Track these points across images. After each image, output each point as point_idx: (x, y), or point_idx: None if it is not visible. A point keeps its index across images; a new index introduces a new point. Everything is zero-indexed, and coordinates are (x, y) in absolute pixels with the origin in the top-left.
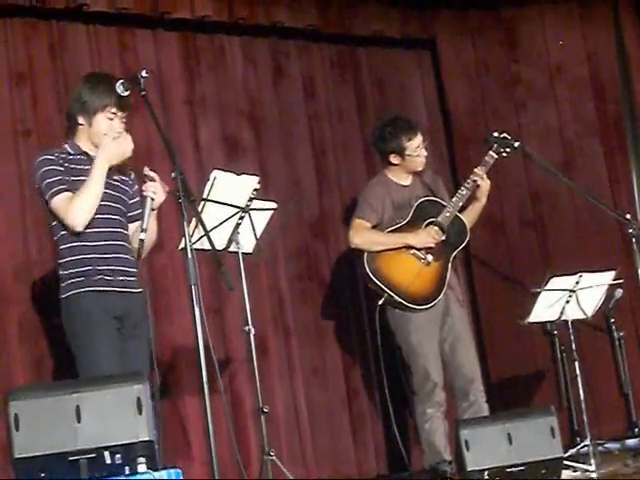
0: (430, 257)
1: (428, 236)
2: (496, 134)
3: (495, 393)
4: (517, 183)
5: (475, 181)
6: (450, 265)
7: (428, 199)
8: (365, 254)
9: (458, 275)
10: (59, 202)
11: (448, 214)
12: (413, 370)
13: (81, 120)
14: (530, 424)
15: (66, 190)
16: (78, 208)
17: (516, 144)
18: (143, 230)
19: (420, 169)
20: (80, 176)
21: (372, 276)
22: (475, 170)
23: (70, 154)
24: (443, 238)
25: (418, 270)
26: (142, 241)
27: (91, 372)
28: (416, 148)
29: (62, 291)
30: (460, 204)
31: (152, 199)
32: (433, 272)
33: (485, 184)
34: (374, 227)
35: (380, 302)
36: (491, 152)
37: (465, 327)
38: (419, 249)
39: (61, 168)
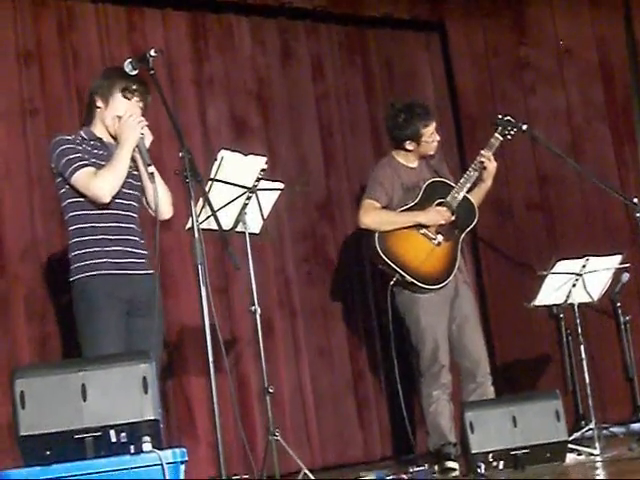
0: (440, 237)
1: (438, 214)
2: (500, 116)
3: (500, 376)
4: (524, 166)
5: (482, 162)
6: (460, 246)
7: (437, 180)
8: (376, 234)
9: (465, 257)
10: (82, 175)
11: (457, 195)
12: (421, 352)
13: (99, 102)
14: (535, 407)
15: (88, 165)
16: (105, 179)
17: (523, 127)
18: (149, 165)
19: (432, 153)
20: (94, 159)
21: (383, 256)
22: (481, 152)
23: (84, 139)
24: (453, 219)
25: (429, 250)
26: (152, 174)
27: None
28: (431, 134)
29: (71, 274)
30: (468, 185)
31: (142, 138)
32: (443, 252)
33: (491, 166)
34: (383, 208)
35: (392, 283)
36: (496, 134)
37: (472, 309)
38: (429, 229)
39: (79, 147)
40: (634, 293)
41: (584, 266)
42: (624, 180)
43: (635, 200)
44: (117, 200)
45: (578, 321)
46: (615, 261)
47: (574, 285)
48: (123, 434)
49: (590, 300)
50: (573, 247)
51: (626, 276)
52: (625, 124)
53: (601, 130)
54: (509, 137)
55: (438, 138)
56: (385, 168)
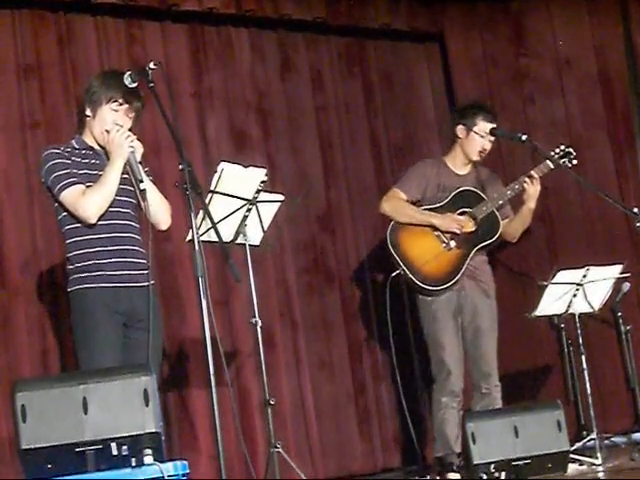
0: (453, 243)
1: (453, 222)
2: (563, 147)
3: (502, 386)
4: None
5: (524, 183)
6: (471, 257)
7: (470, 189)
8: (391, 223)
9: (490, 269)
10: (70, 195)
11: (485, 208)
12: (431, 357)
13: (88, 112)
14: (537, 418)
15: (76, 183)
16: (92, 199)
17: (574, 162)
18: (140, 181)
19: (474, 158)
20: (86, 170)
21: (391, 247)
22: (530, 172)
23: (76, 148)
24: (473, 229)
25: (437, 252)
26: (144, 191)
27: (90, 368)
28: (485, 133)
29: (68, 285)
30: (501, 202)
31: (133, 152)
32: (451, 258)
33: (533, 189)
34: (413, 203)
35: (393, 274)
36: (549, 162)
37: (490, 321)
38: (444, 233)
39: (68, 161)
40: (635, 303)
41: (585, 276)
42: (624, 189)
43: (635, 210)
44: (113, 209)
45: (579, 331)
46: (616, 271)
47: (575, 295)
48: (124, 447)
49: (591, 310)
50: (574, 257)
51: (627, 286)
52: (625, 133)
53: (601, 139)
54: (563, 169)
55: (487, 147)
56: (425, 166)
